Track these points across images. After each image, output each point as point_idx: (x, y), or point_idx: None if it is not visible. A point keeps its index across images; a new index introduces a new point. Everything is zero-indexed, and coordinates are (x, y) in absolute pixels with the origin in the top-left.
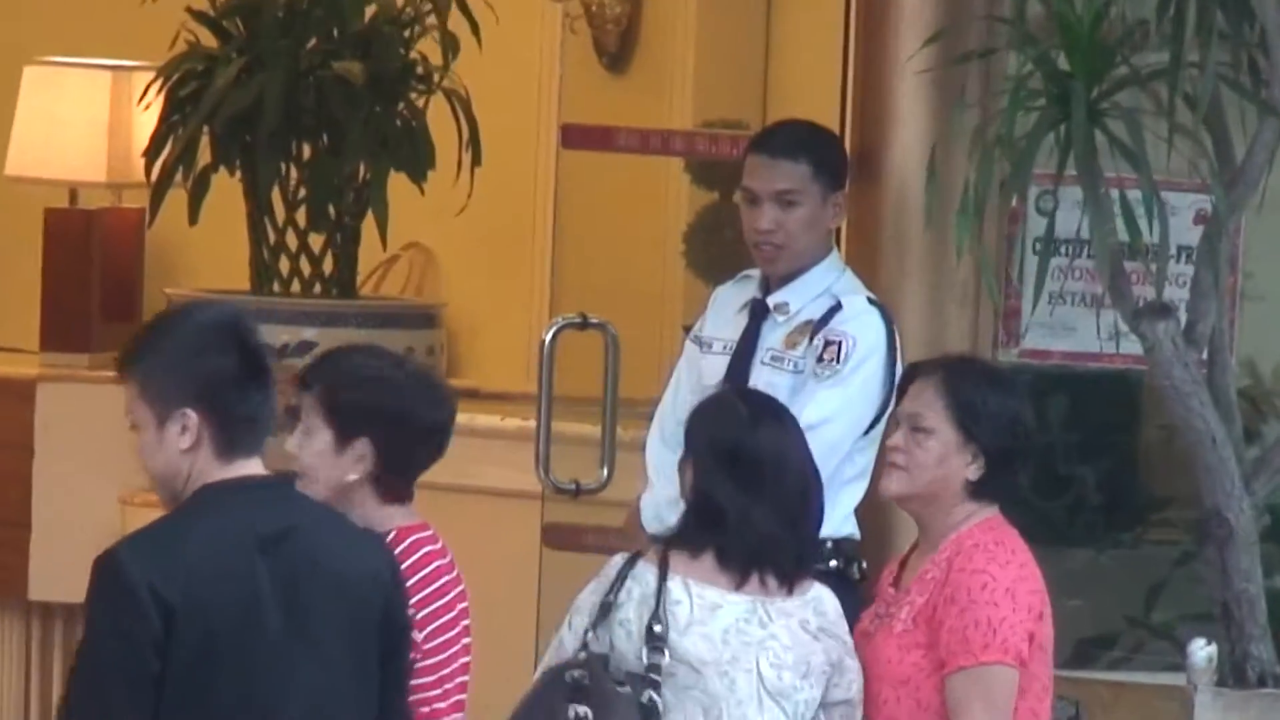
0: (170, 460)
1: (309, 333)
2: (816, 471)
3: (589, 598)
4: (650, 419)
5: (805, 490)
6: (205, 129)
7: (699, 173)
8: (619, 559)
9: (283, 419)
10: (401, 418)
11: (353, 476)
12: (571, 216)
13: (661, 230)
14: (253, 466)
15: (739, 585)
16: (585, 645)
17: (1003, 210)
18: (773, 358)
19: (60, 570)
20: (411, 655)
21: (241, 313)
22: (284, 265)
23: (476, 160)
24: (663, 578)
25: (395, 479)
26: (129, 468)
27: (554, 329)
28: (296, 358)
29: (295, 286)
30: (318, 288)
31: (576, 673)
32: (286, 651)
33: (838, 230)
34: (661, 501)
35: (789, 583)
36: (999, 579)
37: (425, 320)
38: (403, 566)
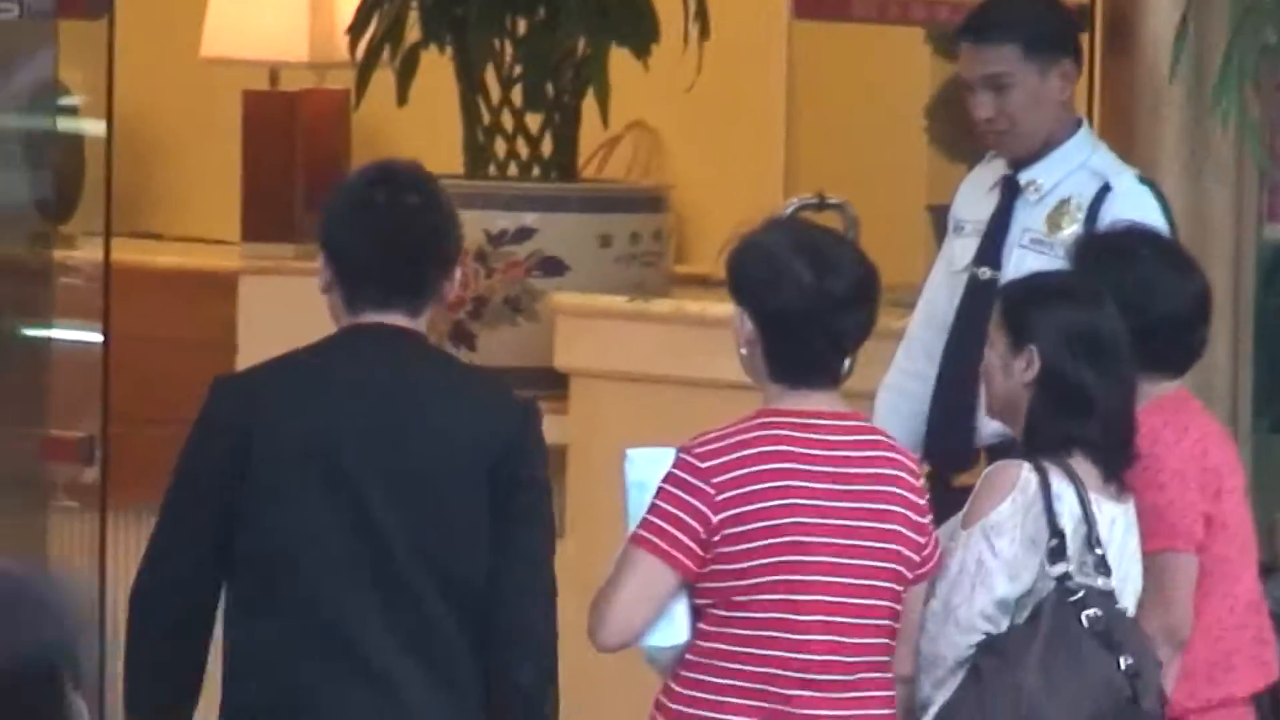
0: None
1: (529, 218)
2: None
3: (1010, 518)
4: (893, 306)
5: (1135, 377)
6: (413, 3)
7: (942, 43)
8: (1021, 470)
9: (501, 309)
10: None
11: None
12: (806, 91)
13: (904, 105)
14: (387, 317)
15: (1113, 489)
16: (1057, 576)
17: (1268, 79)
18: (1033, 240)
19: None
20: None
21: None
22: (499, 147)
23: (704, 33)
24: (1082, 492)
25: None
26: None
27: (790, 210)
28: (515, 244)
29: (512, 170)
30: (536, 171)
31: (1091, 612)
32: (355, 486)
33: (1090, 103)
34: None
35: (1120, 480)
36: (1165, 461)
37: (652, 204)
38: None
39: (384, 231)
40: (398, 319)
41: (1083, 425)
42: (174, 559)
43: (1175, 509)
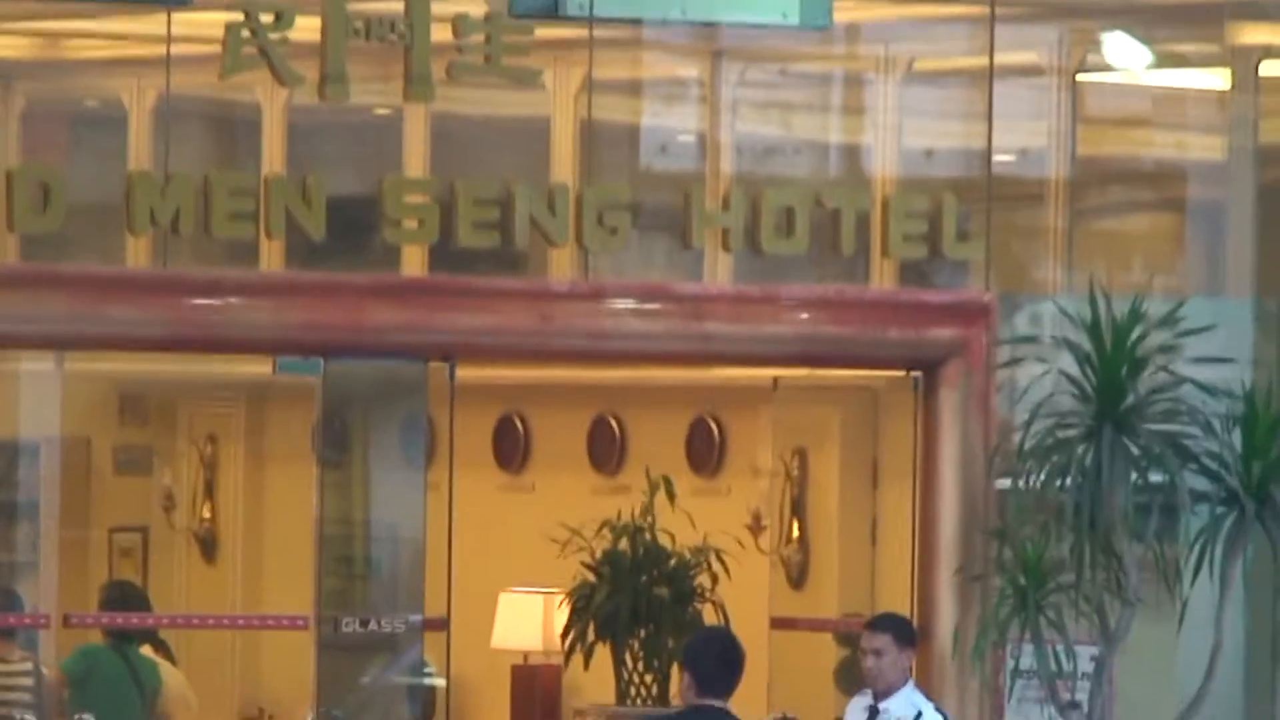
0: None
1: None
2: None
3: None
4: None
5: None
6: (592, 623)
7: (843, 640)
8: None
9: None
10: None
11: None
12: (780, 665)
13: (824, 666)
14: (714, 700)
15: None
16: None
17: (993, 654)
18: None
19: None
20: None
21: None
22: (635, 687)
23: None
24: None
25: None
26: None
27: None
28: None
29: (639, 700)
30: (655, 695)
31: None
32: None
33: (913, 665)
34: None
35: None
36: None
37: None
38: None
39: (721, 658)
40: (717, 701)
41: None
42: None
43: None
